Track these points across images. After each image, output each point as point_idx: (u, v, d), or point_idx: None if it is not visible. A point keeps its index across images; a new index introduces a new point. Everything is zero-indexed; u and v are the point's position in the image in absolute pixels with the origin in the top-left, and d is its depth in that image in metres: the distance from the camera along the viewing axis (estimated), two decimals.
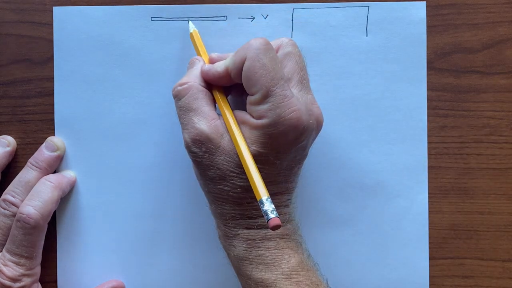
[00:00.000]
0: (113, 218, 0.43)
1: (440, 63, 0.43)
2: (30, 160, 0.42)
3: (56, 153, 0.42)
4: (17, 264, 0.39)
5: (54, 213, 0.42)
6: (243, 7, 0.43)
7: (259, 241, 0.37)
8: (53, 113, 0.43)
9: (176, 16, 0.43)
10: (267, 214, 0.33)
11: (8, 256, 0.40)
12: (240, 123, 0.36)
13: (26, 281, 0.40)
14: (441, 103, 0.43)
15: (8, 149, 0.43)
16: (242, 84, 0.36)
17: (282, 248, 0.37)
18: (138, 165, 0.43)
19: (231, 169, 0.36)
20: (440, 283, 0.43)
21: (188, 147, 0.37)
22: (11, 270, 0.39)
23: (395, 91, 0.43)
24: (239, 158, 0.35)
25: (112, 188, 0.43)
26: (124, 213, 0.43)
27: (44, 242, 0.41)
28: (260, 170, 0.35)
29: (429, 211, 0.43)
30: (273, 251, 0.36)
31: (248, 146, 0.35)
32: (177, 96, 0.37)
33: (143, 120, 0.43)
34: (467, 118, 0.43)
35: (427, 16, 0.43)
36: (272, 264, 0.36)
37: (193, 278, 0.43)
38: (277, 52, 0.37)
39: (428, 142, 0.43)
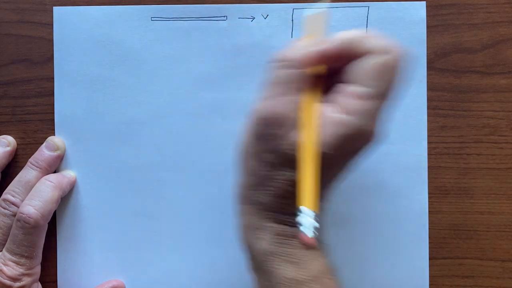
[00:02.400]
0: (113, 218, 0.43)
1: (440, 63, 0.43)
2: (30, 160, 0.42)
3: (56, 153, 0.42)
4: (17, 263, 0.39)
5: (54, 213, 0.42)
6: (243, 7, 0.43)
7: (290, 238, 0.34)
8: (53, 113, 0.43)
9: (176, 16, 0.43)
10: (309, 229, 0.31)
11: (8, 255, 0.40)
12: (323, 113, 0.32)
13: (26, 280, 0.40)
14: (441, 103, 0.43)
15: (8, 149, 0.43)
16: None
17: (309, 249, 0.34)
18: (138, 165, 0.43)
19: (293, 160, 0.32)
20: (440, 283, 0.43)
21: (262, 118, 0.33)
22: (11, 269, 0.39)
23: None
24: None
25: (112, 188, 0.43)
26: (124, 213, 0.43)
27: (44, 242, 0.41)
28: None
29: (429, 211, 0.43)
30: (301, 250, 0.34)
31: (320, 143, 0.31)
32: (284, 61, 0.33)
33: (143, 120, 0.43)
34: (467, 118, 0.43)
35: (427, 16, 0.43)
36: (299, 263, 0.33)
37: (193, 278, 0.43)
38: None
39: (428, 142, 0.43)
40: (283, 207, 0.34)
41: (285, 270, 0.33)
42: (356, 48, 0.32)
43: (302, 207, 0.31)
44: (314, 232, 0.31)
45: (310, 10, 0.35)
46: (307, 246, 0.31)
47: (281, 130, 0.32)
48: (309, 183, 0.31)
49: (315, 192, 0.31)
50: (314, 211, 0.31)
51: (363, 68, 0.32)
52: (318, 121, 0.32)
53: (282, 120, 0.32)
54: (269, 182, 0.33)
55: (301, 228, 0.31)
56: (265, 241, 0.34)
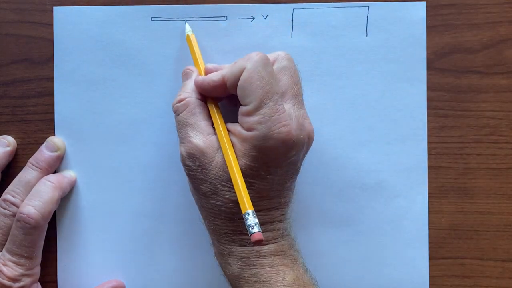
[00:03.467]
0: (113, 218, 0.43)
1: (440, 63, 0.43)
2: (30, 160, 0.42)
3: (56, 153, 0.42)
4: (17, 264, 0.39)
5: (54, 213, 0.42)
6: (243, 7, 0.43)
7: (253, 259, 0.36)
8: (53, 113, 0.43)
9: (176, 16, 0.43)
10: (251, 227, 0.33)
11: (8, 256, 0.40)
12: (231, 135, 0.37)
13: (25, 281, 0.40)
14: (441, 103, 0.43)
15: (8, 149, 0.43)
16: (236, 96, 0.37)
17: (277, 266, 0.36)
18: (138, 165, 0.43)
19: (223, 183, 0.36)
20: (440, 283, 0.43)
21: (183, 161, 0.37)
22: (11, 270, 0.39)
23: (395, 91, 0.43)
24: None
25: (112, 188, 0.43)
26: (124, 213, 0.43)
27: (44, 242, 0.41)
28: (251, 184, 0.36)
29: (429, 211, 0.43)
30: (268, 268, 0.36)
31: (238, 159, 0.35)
32: (176, 112, 0.38)
33: (143, 120, 0.43)
34: (467, 118, 0.43)
35: (427, 16, 0.43)
36: (267, 282, 0.36)
37: (193, 278, 0.43)
38: (272, 65, 0.37)
39: (428, 142, 0.43)
40: (237, 230, 0.37)
41: None
42: (229, 79, 0.37)
43: (244, 212, 0.34)
44: (258, 228, 0.33)
45: (186, 29, 0.42)
46: (258, 243, 0.33)
47: (202, 161, 0.36)
48: (242, 191, 0.34)
49: (247, 196, 0.34)
50: (252, 210, 0.34)
51: (238, 90, 0.36)
52: (232, 141, 0.36)
53: (200, 153, 0.36)
54: (215, 210, 0.37)
55: (249, 231, 0.33)
56: (233, 266, 0.37)
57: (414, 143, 0.43)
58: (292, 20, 0.43)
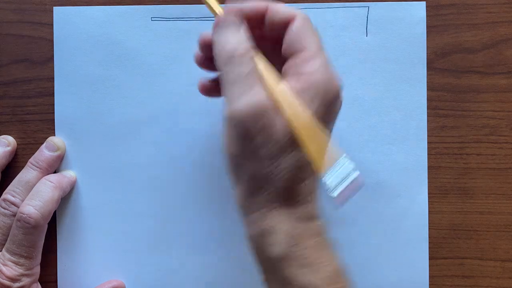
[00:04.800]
0: (113, 218, 0.43)
1: (440, 63, 0.43)
2: (30, 160, 0.42)
3: (56, 153, 0.42)
4: (17, 264, 0.39)
5: (54, 213, 0.42)
6: None
7: (304, 239, 0.32)
8: (53, 113, 0.43)
9: (176, 16, 0.43)
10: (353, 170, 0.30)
11: (7, 255, 0.40)
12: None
13: (25, 281, 0.40)
14: (441, 103, 0.43)
15: (8, 149, 0.43)
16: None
17: (322, 249, 0.33)
18: (138, 165, 0.43)
19: (291, 142, 0.32)
20: (440, 283, 0.43)
21: (239, 122, 0.32)
22: (11, 270, 0.39)
23: (395, 91, 0.43)
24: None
25: (112, 188, 0.43)
26: (124, 213, 0.43)
27: (44, 242, 0.41)
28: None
29: (429, 211, 0.43)
30: (316, 251, 0.33)
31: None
32: (234, 59, 0.32)
33: (143, 120, 0.43)
34: (467, 118, 0.43)
35: (427, 16, 0.43)
36: (314, 265, 0.32)
37: (193, 278, 0.43)
38: None
39: (428, 142, 0.43)
40: (295, 198, 0.33)
41: (302, 276, 0.32)
42: (273, 13, 0.34)
43: (323, 169, 0.30)
44: (342, 185, 0.30)
45: None
46: (342, 202, 0.30)
47: (265, 120, 0.31)
48: (317, 146, 0.31)
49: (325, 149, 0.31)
50: (339, 158, 0.31)
51: (291, 36, 0.33)
52: (294, 95, 0.32)
53: (262, 111, 0.31)
54: (274, 177, 0.32)
55: (330, 190, 0.30)
56: (278, 246, 0.32)
57: (414, 143, 0.43)
58: None
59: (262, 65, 0.33)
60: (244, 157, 0.33)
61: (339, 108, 0.34)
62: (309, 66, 0.32)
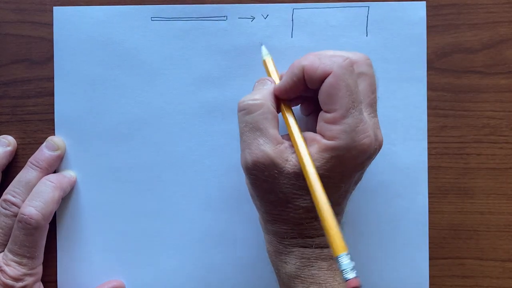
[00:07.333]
0: (113, 218, 0.43)
1: (440, 63, 0.43)
2: (30, 159, 0.42)
3: (56, 153, 0.42)
4: (19, 264, 0.40)
5: (55, 213, 0.42)
6: (243, 7, 0.43)
7: (313, 260, 0.36)
8: (53, 113, 0.43)
9: (176, 16, 0.43)
10: (346, 273, 0.31)
11: (10, 256, 0.40)
12: (308, 142, 0.34)
13: (28, 280, 0.40)
14: (441, 103, 0.43)
15: (9, 149, 0.43)
16: (308, 104, 0.36)
17: (335, 270, 0.36)
18: (138, 165, 0.43)
19: (295, 191, 0.34)
20: (440, 283, 0.43)
21: (248, 170, 0.35)
22: (14, 270, 0.39)
23: (395, 91, 0.43)
24: (303, 180, 0.34)
25: (112, 188, 0.43)
26: (124, 213, 0.43)
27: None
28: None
29: (429, 211, 0.43)
30: (325, 271, 0.35)
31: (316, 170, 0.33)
32: (246, 110, 0.35)
33: (143, 120, 0.43)
34: (467, 118, 0.43)
35: (427, 16, 0.43)
36: (324, 284, 0.35)
37: (193, 278, 0.43)
38: None
39: (428, 142, 0.43)
40: (303, 232, 0.36)
41: None
42: (310, 74, 0.34)
43: (338, 256, 0.31)
44: (354, 272, 0.31)
45: (263, 53, 0.40)
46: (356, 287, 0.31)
47: (272, 171, 0.34)
48: (334, 231, 0.32)
49: (341, 235, 0.32)
50: (346, 252, 0.32)
51: (321, 94, 0.34)
52: (307, 150, 0.34)
53: (270, 163, 0.34)
54: (282, 216, 0.35)
55: (344, 275, 0.31)
56: (290, 265, 0.36)
57: (414, 143, 0.43)
58: (292, 20, 0.43)
59: (293, 119, 0.35)
60: (256, 198, 0.36)
61: (360, 171, 0.35)
62: (330, 130, 0.34)
